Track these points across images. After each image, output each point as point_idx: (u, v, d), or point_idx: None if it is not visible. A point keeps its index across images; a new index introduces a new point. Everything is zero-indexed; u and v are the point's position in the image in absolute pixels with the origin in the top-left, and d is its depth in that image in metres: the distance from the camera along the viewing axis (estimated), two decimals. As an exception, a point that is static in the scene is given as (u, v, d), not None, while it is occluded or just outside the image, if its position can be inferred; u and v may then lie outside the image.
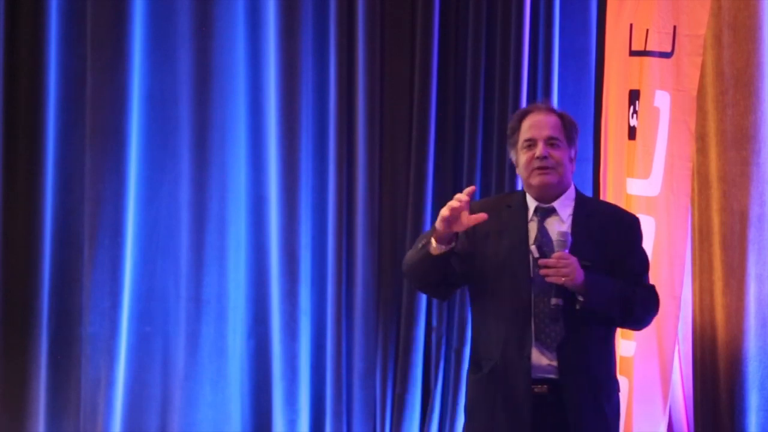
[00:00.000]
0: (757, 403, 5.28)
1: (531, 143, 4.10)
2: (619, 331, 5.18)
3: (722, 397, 5.33)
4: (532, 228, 4.09)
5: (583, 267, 3.98)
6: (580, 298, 3.98)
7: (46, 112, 5.94)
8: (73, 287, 5.97)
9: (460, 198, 3.96)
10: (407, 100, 6.11)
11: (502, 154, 5.90)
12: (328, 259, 6.07)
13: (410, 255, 4.14)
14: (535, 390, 4.00)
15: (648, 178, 5.18)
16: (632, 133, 5.28)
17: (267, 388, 6.05)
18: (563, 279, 3.95)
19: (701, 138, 5.37)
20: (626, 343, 5.22)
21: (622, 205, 5.24)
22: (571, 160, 4.14)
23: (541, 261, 3.98)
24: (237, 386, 6.06)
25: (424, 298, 6.00)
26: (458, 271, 4.09)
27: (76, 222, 5.98)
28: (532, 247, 4.04)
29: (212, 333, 6.05)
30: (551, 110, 4.17)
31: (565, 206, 4.12)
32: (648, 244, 5.11)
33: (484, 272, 4.10)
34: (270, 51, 6.08)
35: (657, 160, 5.15)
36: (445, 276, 4.07)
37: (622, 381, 5.16)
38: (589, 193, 5.63)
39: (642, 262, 4.19)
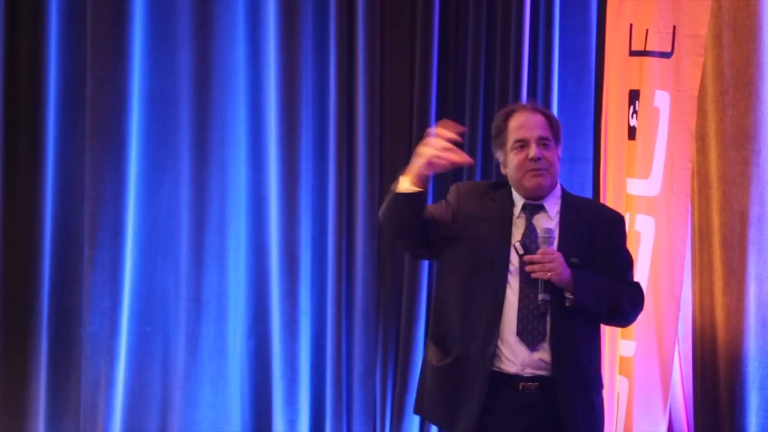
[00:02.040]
0: (757, 403, 5.28)
1: (522, 144, 4.08)
2: (619, 331, 5.20)
3: (722, 397, 5.33)
4: (519, 224, 4.08)
5: (571, 265, 3.98)
6: (569, 295, 3.98)
7: (46, 112, 5.94)
8: (73, 287, 5.97)
9: (448, 136, 3.93)
10: (407, 100, 6.11)
11: (502, 155, 5.90)
12: (328, 259, 6.07)
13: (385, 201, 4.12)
14: (525, 386, 4.00)
15: (648, 178, 5.18)
16: (632, 133, 5.28)
17: (267, 388, 6.05)
18: (549, 274, 3.95)
19: (701, 138, 5.37)
20: (626, 343, 5.22)
21: (623, 204, 5.25)
22: (559, 159, 4.14)
23: (526, 257, 3.98)
24: (237, 386, 6.06)
25: (424, 298, 6.00)
26: (437, 231, 4.07)
27: (76, 222, 5.98)
28: (516, 244, 4.03)
29: (212, 333, 6.05)
30: (537, 109, 4.16)
31: (553, 204, 4.12)
32: (648, 244, 5.12)
33: (461, 254, 4.08)
34: (270, 51, 6.08)
35: (657, 160, 5.15)
36: (420, 226, 4.04)
37: (622, 381, 5.17)
38: (588, 192, 5.64)
39: (627, 259, 4.20)
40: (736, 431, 5.30)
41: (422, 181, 3.98)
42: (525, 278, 4.01)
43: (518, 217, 4.10)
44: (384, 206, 4.08)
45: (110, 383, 5.92)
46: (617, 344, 5.25)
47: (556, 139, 4.12)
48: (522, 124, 4.10)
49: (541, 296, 3.97)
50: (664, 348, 5.12)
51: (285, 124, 6.06)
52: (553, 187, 4.12)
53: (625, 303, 4.10)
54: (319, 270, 6.10)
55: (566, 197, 4.16)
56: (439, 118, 6.06)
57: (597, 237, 4.11)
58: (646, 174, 5.18)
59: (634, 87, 5.28)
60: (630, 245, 5.07)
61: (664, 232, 5.13)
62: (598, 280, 4.04)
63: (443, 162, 3.93)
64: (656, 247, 5.12)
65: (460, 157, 3.94)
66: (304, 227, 6.08)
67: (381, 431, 6.03)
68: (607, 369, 5.11)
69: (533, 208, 4.10)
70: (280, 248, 6.04)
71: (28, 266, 5.92)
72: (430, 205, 4.14)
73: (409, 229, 4.08)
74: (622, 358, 5.22)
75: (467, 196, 4.15)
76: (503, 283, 4.02)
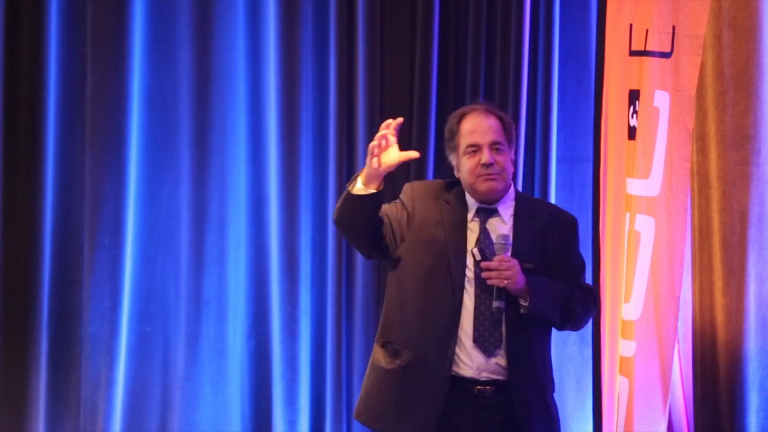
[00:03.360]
0: (757, 403, 5.28)
1: (475, 149, 4.07)
2: (618, 330, 5.19)
3: (722, 397, 5.33)
4: (473, 228, 4.07)
5: (525, 270, 3.98)
6: (523, 303, 3.98)
7: (46, 112, 5.94)
8: (73, 287, 5.97)
9: (389, 124, 3.99)
10: (407, 99, 6.11)
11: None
12: (328, 259, 6.07)
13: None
14: (481, 390, 4.00)
15: (648, 178, 5.17)
16: (632, 133, 5.28)
17: (267, 388, 6.04)
18: (505, 282, 3.95)
19: (701, 138, 5.37)
20: (626, 343, 5.21)
21: (623, 204, 5.24)
22: (512, 162, 4.13)
23: (483, 264, 3.97)
24: (237, 386, 6.06)
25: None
26: (391, 232, 4.06)
27: (76, 222, 5.98)
28: (474, 250, 4.02)
29: (212, 333, 6.05)
30: (490, 111, 4.14)
31: (506, 207, 4.12)
32: (648, 244, 5.11)
33: (416, 258, 4.06)
34: (270, 51, 6.08)
35: (657, 160, 5.14)
36: (374, 227, 4.04)
37: (623, 381, 5.16)
38: (588, 192, 5.64)
39: (580, 262, 4.21)
40: (736, 431, 5.30)
41: (375, 181, 3.99)
42: (481, 284, 4.00)
43: (472, 221, 4.08)
44: (338, 206, 4.07)
45: (110, 383, 5.91)
46: (617, 344, 5.25)
47: (510, 141, 4.11)
48: (474, 128, 4.09)
49: (495, 303, 3.98)
50: (663, 348, 5.11)
51: (285, 124, 6.06)
52: (506, 190, 4.11)
53: (578, 308, 4.10)
54: (319, 270, 6.10)
55: (520, 199, 4.16)
56: (439, 118, 6.07)
57: (551, 240, 4.11)
58: (645, 174, 5.18)
59: (634, 87, 5.28)
60: (630, 245, 5.09)
61: (664, 232, 5.12)
62: (553, 286, 4.04)
63: (379, 146, 3.96)
64: (656, 247, 5.12)
65: (392, 142, 4.01)
66: (304, 227, 6.08)
67: (381, 431, 6.03)
68: (608, 369, 5.11)
69: (487, 212, 4.09)
70: (280, 248, 6.04)
71: (28, 266, 5.92)
72: (384, 205, 4.12)
73: (363, 230, 4.07)
74: (622, 358, 5.21)
75: (421, 198, 4.14)
76: (461, 289, 4.01)
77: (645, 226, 5.15)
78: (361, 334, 6.04)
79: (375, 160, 3.98)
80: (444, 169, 6.08)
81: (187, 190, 6.06)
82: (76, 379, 5.95)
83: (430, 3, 6.04)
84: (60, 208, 5.98)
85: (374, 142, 3.98)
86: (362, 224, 4.05)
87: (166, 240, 6.05)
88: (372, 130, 6.05)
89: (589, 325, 4.85)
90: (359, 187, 4.00)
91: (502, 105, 6.00)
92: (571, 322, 4.16)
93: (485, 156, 4.05)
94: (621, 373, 5.21)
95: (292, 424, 6.02)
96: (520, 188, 5.84)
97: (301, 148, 6.08)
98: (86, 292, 5.93)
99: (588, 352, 5.53)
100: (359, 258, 6.05)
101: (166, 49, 6.06)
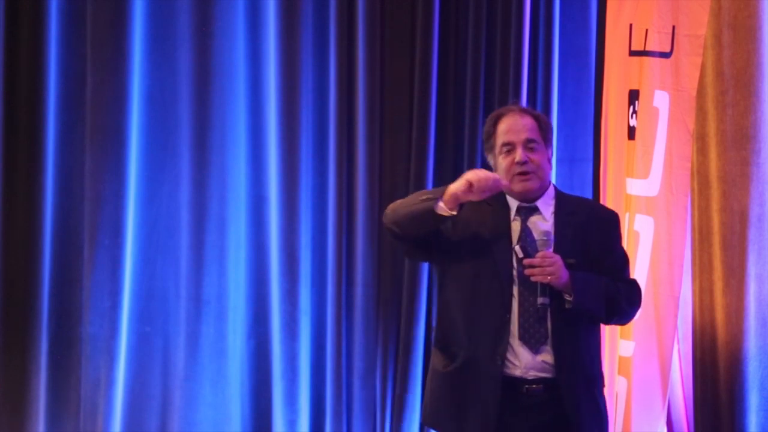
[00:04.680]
0: (757, 403, 5.28)
1: (510, 147, 4.10)
2: (618, 331, 5.20)
3: (722, 397, 5.33)
4: (516, 227, 4.09)
5: (568, 265, 3.99)
6: (568, 297, 3.99)
7: (46, 112, 5.94)
8: (73, 287, 5.97)
9: (499, 179, 3.99)
10: (407, 100, 6.11)
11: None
12: (328, 259, 6.07)
13: (407, 203, 4.10)
14: (529, 389, 4.02)
15: (647, 178, 5.18)
16: (632, 133, 5.28)
17: (267, 388, 6.05)
18: (549, 278, 3.97)
19: (701, 138, 5.37)
20: (625, 343, 5.22)
21: (622, 204, 5.25)
22: (548, 160, 4.15)
23: (526, 261, 3.99)
24: (237, 386, 6.06)
25: (424, 298, 6.00)
26: (437, 236, 4.07)
27: (76, 222, 5.98)
28: (516, 247, 4.04)
29: (212, 333, 6.05)
30: (526, 111, 4.17)
31: (547, 205, 4.13)
32: (647, 244, 5.12)
33: (462, 260, 4.09)
34: (270, 51, 6.08)
35: (656, 160, 5.15)
36: (432, 238, 4.06)
37: (621, 381, 5.17)
38: (588, 192, 5.64)
39: (623, 257, 4.22)
40: (736, 431, 5.30)
41: (457, 204, 3.99)
42: (524, 281, 4.02)
43: (513, 220, 4.10)
44: (405, 213, 4.07)
45: (110, 383, 5.92)
46: (617, 344, 5.25)
47: (546, 140, 4.13)
48: (510, 127, 4.12)
49: (540, 300, 3.99)
50: (663, 348, 5.12)
51: (285, 124, 6.06)
52: (543, 189, 4.13)
53: (623, 302, 4.11)
54: (319, 270, 6.10)
55: (560, 197, 4.17)
56: (439, 118, 6.08)
57: (592, 236, 4.12)
58: (645, 174, 5.18)
59: (634, 87, 5.28)
60: (629, 245, 5.10)
61: (664, 231, 5.13)
62: (596, 281, 4.05)
63: (482, 185, 3.95)
64: (655, 247, 5.12)
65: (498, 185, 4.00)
66: (304, 227, 6.08)
67: (381, 431, 6.03)
68: (607, 369, 5.11)
69: (527, 210, 4.11)
70: (280, 248, 6.04)
71: (28, 266, 5.92)
72: None
73: (417, 239, 4.10)
74: (621, 358, 5.21)
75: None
76: (509, 287, 4.03)
77: (644, 226, 5.16)
78: (361, 334, 6.05)
79: (476, 194, 3.98)
80: (444, 169, 6.09)
81: (187, 190, 6.06)
82: (76, 379, 5.96)
83: (430, 3, 6.04)
84: (60, 208, 5.98)
85: (486, 181, 3.97)
86: (422, 235, 4.07)
87: (166, 240, 6.05)
88: (372, 130, 6.06)
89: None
90: (442, 206, 3.99)
91: (502, 105, 5.98)
92: (617, 316, 4.16)
93: (519, 154, 4.07)
94: (619, 372, 5.21)
95: (292, 424, 6.02)
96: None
97: (301, 148, 6.08)
98: (86, 292, 5.93)
99: (588, 352, 5.52)
100: (359, 258, 6.05)
101: (166, 49, 6.06)
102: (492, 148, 4.16)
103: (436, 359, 4.18)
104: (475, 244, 4.08)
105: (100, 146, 5.96)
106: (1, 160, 5.89)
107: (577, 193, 6.02)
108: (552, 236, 4.03)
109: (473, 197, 3.99)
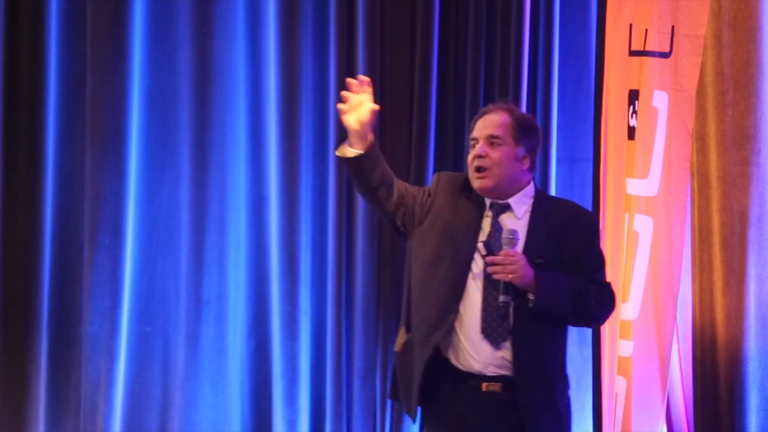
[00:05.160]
0: (757, 403, 5.28)
1: (474, 142, 4.11)
2: (618, 331, 5.19)
3: (722, 397, 5.33)
4: (486, 223, 4.09)
5: (536, 265, 3.99)
6: (531, 296, 3.99)
7: (46, 112, 5.94)
8: (73, 287, 5.97)
9: (351, 83, 4.03)
10: (407, 100, 6.11)
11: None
12: (328, 259, 6.07)
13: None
14: (487, 388, 4.02)
15: (647, 178, 5.17)
16: (631, 133, 5.28)
17: (267, 388, 6.05)
18: (509, 276, 3.96)
19: (701, 138, 5.37)
20: (625, 343, 5.22)
21: (622, 204, 5.24)
22: (518, 158, 4.10)
23: (489, 258, 3.99)
24: (237, 386, 6.06)
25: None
26: (411, 209, 4.13)
27: (76, 222, 5.98)
28: (479, 244, 4.04)
29: (212, 333, 6.05)
30: (503, 109, 4.14)
31: (521, 203, 4.11)
32: (646, 244, 5.12)
33: (427, 243, 4.11)
34: (270, 51, 6.08)
35: (655, 160, 5.15)
36: (378, 190, 4.11)
37: (620, 381, 5.16)
38: (588, 192, 5.63)
39: (598, 258, 4.19)
40: (736, 431, 5.30)
41: (360, 141, 4.04)
42: (488, 278, 4.02)
43: (485, 215, 4.10)
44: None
45: (110, 383, 5.92)
46: (616, 344, 5.25)
47: (516, 138, 4.09)
48: (480, 123, 4.13)
49: (501, 297, 3.99)
50: (662, 348, 5.12)
51: (285, 124, 6.06)
52: (503, 187, 4.10)
53: (591, 304, 4.08)
54: (319, 270, 6.10)
55: (539, 197, 4.16)
56: (439, 118, 6.08)
57: (568, 237, 4.09)
58: (644, 174, 5.18)
59: (634, 87, 5.28)
60: (629, 245, 5.09)
61: (663, 231, 5.13)
62: (564, 281, 4.04)
63: (346, 105, 4.01)
64: (655, 246, 5.12)
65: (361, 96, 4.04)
66: (304, 227, 6.08)
67: (381, 431, 6.03)
68: (607, 369, 5.11)
69: (499, 207, 4.10)
70: (280, 248, 6.04)
71: (28, 266, 5.92)
72: (411, 186, 4.22)
73: (369, 190, 4.13)
74: (620, 358, 5.21)
75: (445, 188, 4.17)
76: (463, 276, 4.04)
77: (643, 225, 5.15)
78: (361, 334, 6.05)
79: (346, 118, 4.03)
80: (444, 168, 6.08)
81: (187, 190, 6.06)
82: (76, 379, 5.96)
83: (430, 3, 6.04)
84: (60, 208, 5.98)
85: (352, 105, 4.05)
86: (364, 182, 4.11)
87: (166, 240, 6.05)
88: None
89: (590, 325, 4.84)
90: (341, 148, 4.08)
91: (502, 105, 6.00)
92: (585, 318, 4.15)
93: (477, 148, 4.08)
94: (619, 373, 5.21)
95: (292, 424, 6.02)
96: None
97: (301, 148, 6.08)
98: (86, 292, 5.93)
99: (588, 352, 5.52)
100: (359, 258, 6.05)
101: (166, 49, 6.06)
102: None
103: (397, 337, 4.23)
104: (443, 231, 4.08)
105: (100, 146, 5.96)
106: (1, 160, 5.89)
107: (577, 193, 6.04)
108: (518, 235, 4.01)
109: (358, 126, 4.02)
